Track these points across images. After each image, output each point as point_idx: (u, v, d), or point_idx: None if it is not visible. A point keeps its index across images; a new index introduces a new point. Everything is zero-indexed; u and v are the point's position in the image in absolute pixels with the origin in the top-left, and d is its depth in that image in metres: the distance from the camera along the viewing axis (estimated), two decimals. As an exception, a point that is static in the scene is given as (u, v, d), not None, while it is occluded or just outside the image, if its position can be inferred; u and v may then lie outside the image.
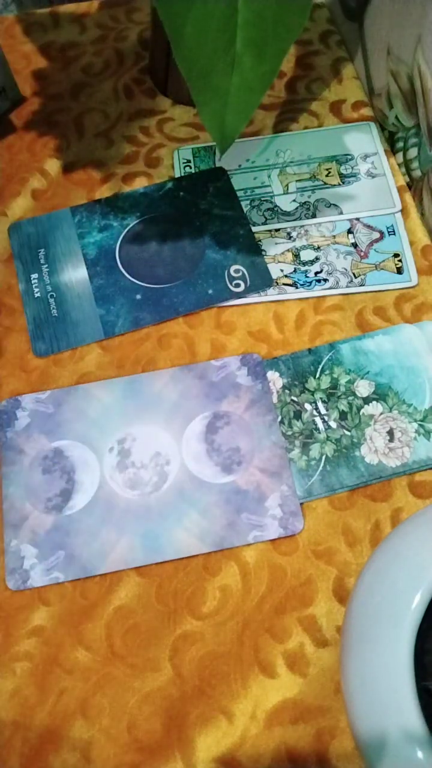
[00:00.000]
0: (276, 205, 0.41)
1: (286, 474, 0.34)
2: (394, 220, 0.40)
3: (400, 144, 0.42)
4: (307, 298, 0.39)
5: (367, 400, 0.35)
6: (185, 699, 0.30)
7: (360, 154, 0.43)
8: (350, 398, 0.36)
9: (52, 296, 0.39)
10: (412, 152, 0.41)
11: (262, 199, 0.41)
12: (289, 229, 0.40)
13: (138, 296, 0.39)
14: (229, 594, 0.32)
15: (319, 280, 0.39)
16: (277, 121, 0.44)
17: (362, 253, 0.40)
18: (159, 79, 0.45)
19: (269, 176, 0.42)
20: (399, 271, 0.39)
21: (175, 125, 0.44)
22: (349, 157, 0.43)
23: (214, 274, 0.39)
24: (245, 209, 0.41)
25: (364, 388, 0.36)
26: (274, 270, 0.39)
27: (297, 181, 0.42)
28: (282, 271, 0.39)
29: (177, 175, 0.42)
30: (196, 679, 0.30)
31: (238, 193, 0.41)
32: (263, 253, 0.40)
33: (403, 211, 0.41)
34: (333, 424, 0.35)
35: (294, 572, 0.32)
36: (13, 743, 0.30)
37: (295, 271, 0.39)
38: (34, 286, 0.39)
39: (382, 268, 0.39)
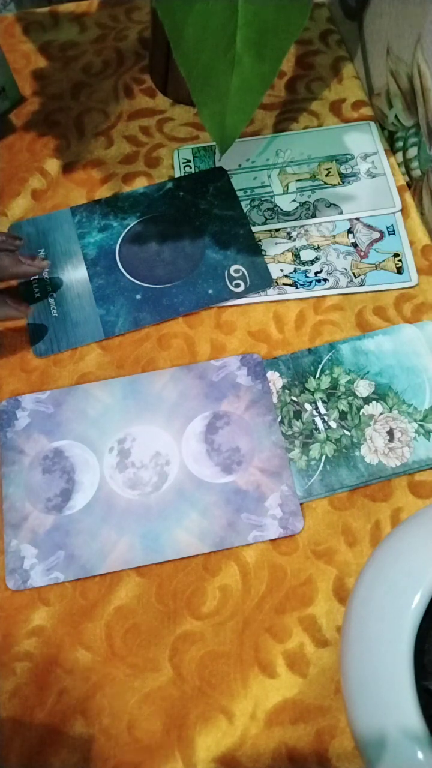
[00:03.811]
0: (276, 205, 0.41)
1: (286, 474, 0.34)
2: (394, 220, 0.40)
3: (400, 143, 0.42)
4: (307, 298, 0.39)
5: (367, 400, 0.35)
6: (185, 699, 0.30)
7: (360, 153, 0.43)
8: (350, 398, 0.36)
9: (52, 296, 0.39)
10: (412, 152, 0.41)
11: (262, 199, 0.41)
12: (289, 229, 0.40)
13: (138, 296, 0.39)
14: (229, 594, 0.32)
15: (319, 280, 0.39)
16: (277, 121, 0.44)
17: (362, 253, 0.40)
18: (159, 79, 0.45)
19: (269, 176, 0.42)
20: (399, 271, 0.39)
21: (175, 125, 0.44)
22: (349, 156, 0.42)
23: (214, 274, 0.39)
24: (245, 209, 0.41)
25: (364, 388, 0.36)
26: (274, 270, 0.39)
27: (297, 180, 0.42)
28: (282, 271, 0.39)
29: (177, 175, 0.42)
30: (196, 679, 0.30)
31: (238, 193, 0.41)
32: (263, 253, 0.40)
33: (403, 210, 0.41)
34: (333, 424, 0.35)
35: (294, 572, 0.32)
36: (13, 743, 0.30)
37: (295, 271, 0.39)
38: (34, 286, 0.39)
39: (382, 268, 0.39)
